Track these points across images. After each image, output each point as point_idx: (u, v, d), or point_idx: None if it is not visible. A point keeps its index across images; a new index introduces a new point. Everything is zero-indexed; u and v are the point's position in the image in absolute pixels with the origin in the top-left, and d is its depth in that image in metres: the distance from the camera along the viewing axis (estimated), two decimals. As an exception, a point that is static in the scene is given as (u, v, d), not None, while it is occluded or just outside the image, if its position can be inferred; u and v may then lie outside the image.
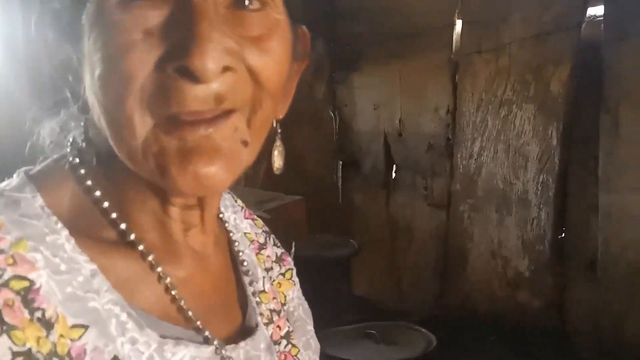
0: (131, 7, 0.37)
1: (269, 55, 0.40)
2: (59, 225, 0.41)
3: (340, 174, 2.13)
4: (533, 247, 1.68)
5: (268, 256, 0.59)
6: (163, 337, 0.42)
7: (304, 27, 0.49)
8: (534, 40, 1.57)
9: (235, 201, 0.59)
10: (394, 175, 1.99)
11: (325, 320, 1.53)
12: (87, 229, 0.42)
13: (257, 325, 0.51)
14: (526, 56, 1.60)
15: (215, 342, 0.45)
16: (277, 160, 0.52)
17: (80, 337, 0.38)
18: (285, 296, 0.59)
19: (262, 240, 0.59)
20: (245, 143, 0.41)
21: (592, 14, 1.53)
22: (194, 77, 0.36)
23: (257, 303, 0.53)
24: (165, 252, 0.46)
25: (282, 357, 0.54)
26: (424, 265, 1.95)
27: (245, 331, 0.50)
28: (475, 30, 1.69)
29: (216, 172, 0.39)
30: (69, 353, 0.37)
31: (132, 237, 0.43)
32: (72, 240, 0.41)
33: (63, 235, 0.41)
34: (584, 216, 1.63)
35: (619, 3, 1.46)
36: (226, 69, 0.38)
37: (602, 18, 1.50)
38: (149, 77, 0.37)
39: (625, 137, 1.48)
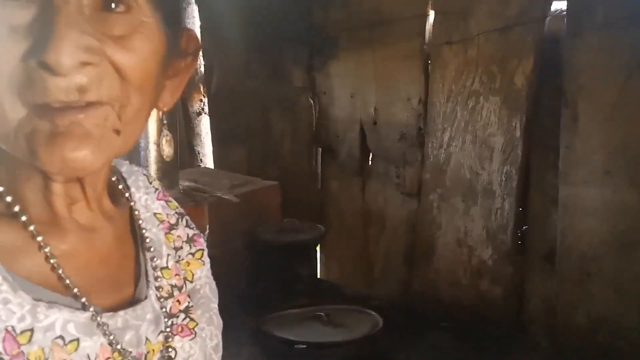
0: (3, 5, 0.42)
1: (132, 53, 0.45)
2: None
3: (319, 161, 2.17)
4: (496, 236, 1.71)
5: (179, 236, 0.63)
6: (37, 300, 0.46)
7: (192, 30, 0.55)
8: (500, 33, 1.59)
9: (150, 182, 0.64)
10: (369, 163, 2.03)
11: (282, 303, 1.59)
12: None
13: (145, 297, 0.55)
14: (492, 48, 1.62)
15: (92, 309, 0.48)
16: (166, 149, 0.58)
17: None
18: (192, 274, 0.63)
19: (173, 220, 0.63)
20: (117, 132, 0.46)
21: (558, 8, 1.54)
22: (51, 70, 0.41)
23: (157, 278, 0.57)
24: (50, 226, 0.50)
25: (179, 329, 0.58)
26: (394, 252, 1.99)
27: (133, 302, 0.54)
28: (446, 21, 1.71)
29: (84, 156, 0.44)
30: None
31: (17, 208, 0.47)
32: None
33: None
34: (545, 207, 1.66)
35: (580, -2, 1.48)
36: (85, 63, 0.42)
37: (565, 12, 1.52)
38: (16, 68, 0.42)
39: (583, 131, 1.50)
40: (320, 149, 2.15)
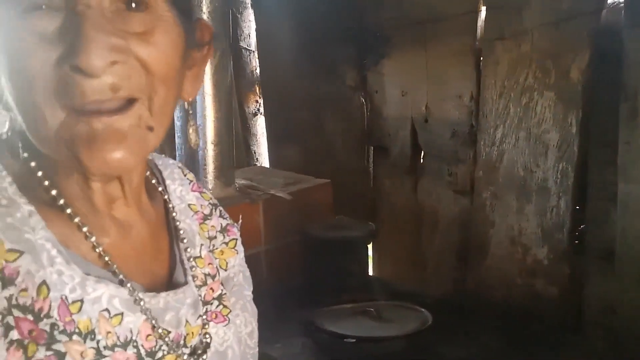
0: (30, 16, 0.46)
1: (154, 47, 0.48)
2: (9, 178, 0.51)
3: (371, 159, 2.18)
4: (552, 235, 1.67)
5: (212, 226, 0.66)
6: (87, 274, 0.50)
7: (204, 20, 0.58)
8: (554, 27, 1.55)
9: (185, 175, 0.67)
10: (421, 161, 2.02)
11: (334, 298, 1.62)
12: (29, 189, 0.52)
13: (186, 283, 0.58)
14: (546, 43, 1.58)
15: (129, 285, 0.51)
16: (193, 137, 0.63)
17: (14, 260, 0.47)
18: (227, 263, 0.66)
19: (207, 211, 0.66)
20: (150, 128, 0.49)
21: (615, 0, 1.49)
22: (85, 72, 0.44)
23: (191, 267, 0.60)
24: (91, 220, 0.53)
25: (213, 315, 0.61)
26: (446, 250, 1.97)
27: (171, 286, 0.57)
28: (497, 16, 1.68)
29: (122, 157, 0.47)
30: (2, 270, 0.46)
31: (62, 201, 0.51)
32: (14, 185, 0.50)
33: (6, 181, 0.51)
34: (603, 206, 1.60)
35: (640, -12, 1.42)
36: (114, 62, 0.46)
37: (622, 4, 1.46)
38: (51, 75, 0.45)
39: (645, 126, 1.44)
40: (372, 147, 2.16)
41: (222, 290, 0.63)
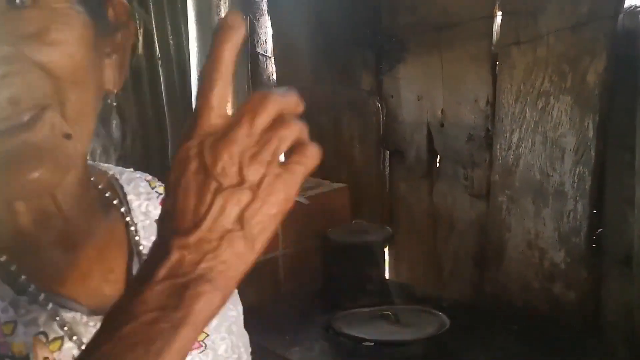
0: None
1: (53, 46, 0.42)
2: None
3: (387, 164, 2.19)
4: (569, 239, 1.67)
5: None
6: (20, 294, 0.45)
7: None
8: (570, 31, 1.56)
9: (153, 188, 0.61)
10: (437, 165, 2.03)
11: (352, 302, 1.64)
12: None
13: None
14: (563, 47, 1.58)
15: (77, 309, 0.46)
16: (115, 133, 0.58)
17: None
18: None
19: None
20: (67, 136, 0.43)
21: (632, 4, 1.49)
22: None
23: None
24: (17, 243, 0.48)
25: None
26: (463, 254, 1.98)
27: None
28: (513, 21, 1.69)
29: (41, 175, 0.41)
30: None
31: None
32: None
33: None
34: (621, 209, 1.60)
35: (658, -8, 1.42)
36: (4, 75, 0.40)
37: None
38: None
39: (663, 129, 1.44)
40: (388, 151, 2.17)
41: None
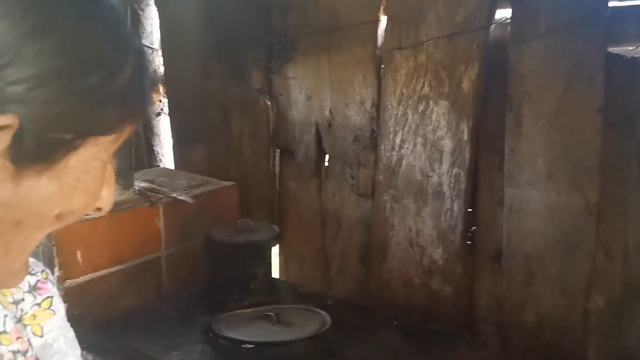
0: None
1: None
2: None
3: (277, 162, 2.19)
4: (446, 237, 1.76)
5: (18, 287, 0.55)
6: None
7: None
8: (447, 40, 1.64)
9: None
10: (326, 164, 2.05)
11: (237, 303, 1.61)
12: None
13: None
14: (441, 54, 1.66)
15: None
16: None
17: None
18: (42, 328, 0.57)
19: None
20: None
21: (503, 15, 1.59)
22: None
23: None
24: None
25: None
26: (350, 252, 2.02)
27: None
28: (396, 27, 1.75)
29: None
30: None
31: None
32: None
33: None
34: (492, 209, 1.71)
35: (523, 6, 1.52)
36: None
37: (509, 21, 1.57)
38: None
39: (527, 135, 1.56)
40: (278, 150, 2.17)
41: None
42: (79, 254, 1.42)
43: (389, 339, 1.60)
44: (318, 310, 1.49)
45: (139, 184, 1.78)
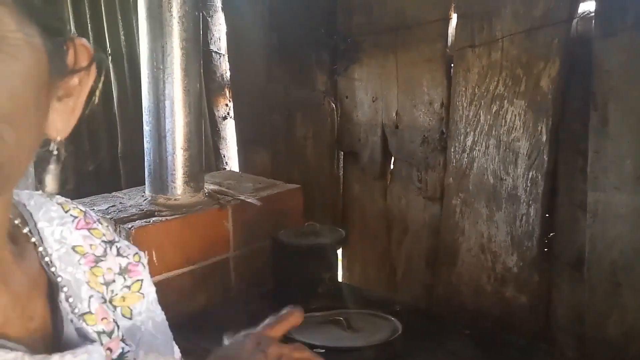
0: None
1: None
2: None
3: (341, 165, 2.16)
4: (521, 243, 1.68)
5: (109, 268, 0.55)
6: None
7: (81, 40, 0.46)
8: (525, 35, 1.56)
9: (67, 211, 0.56)
10: (391, 167, 2.01)
11: (302, 306, 1.59)
12: None
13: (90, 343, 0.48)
14: (517, 51, 1.59)
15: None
16: (49, 184, 0.48)
17: None
18: (131, 310, 0.56)
19: (99, 252, 0.55)
20: None
21: (586, 9, 1.50)
22: None
23: (78, 329, 0.49)
24: None
25: None
26: (416, 257, 1.96)
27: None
28: (468, 24, 1.68)
29: None
30: None
31: None
32: None
33: None
34: (573, 214, 1.61)
35: (609, -1, 1.43)
36: None
37: (593, 14, 1.48)
38: None
39: (613, 134, 1.46)
40: (342, 152, 2.14)
41: (123, 348, 0.52)
42: (154, 254, 1.44)
43: (459, 348, 1.53)
44: (387, 316, 1.45)
45: (208, 187, 1.80)
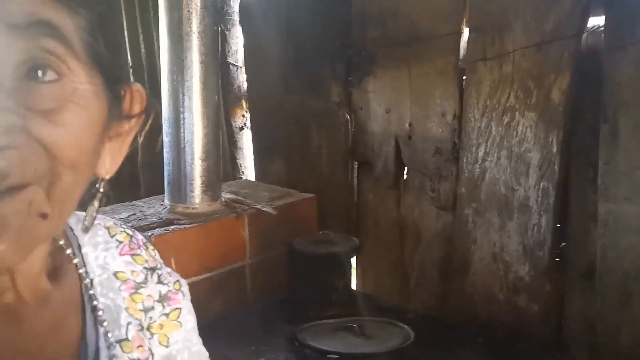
0: None
1: (62, 128, 0.40)
2: None
3: (355, 175, 2.20)
4: (533, 252, 1.70)
5: (149, 295, 0.56)
6: None
7: (137, 85, 0.49)
8: (535, 49, 1.59)
9: (113, 236, 0.56)
10: (405, 177, 2.04)
11: (318, 313, 1.63)
12: None
13: None
14: (528, 64, 1.62)
15: None
16: (88, 219, 0.49)
17: None
18: (168, 338, 0.56)
19: (140, 278, 0.56)
20: (44, 215, 0.40)
21: (595, 23, 1.53)
22: None
23: (112, 357, 0.50)
24: None
25: None
26: (429, 265, 1.99)
27: None
28: (480, 38, 1.72)
29: (3, 250, 0.38)
30: None
31: None
32: None
33: None
34: (584, 224, 1.63)
35: (618, 12, 1.46)
36: (4, 147, 0.37)
37: (602, 28, 1.50)
38: None
39: (624, 146, 1.48)
40: (356, 162, 2.18)
41: None
42: (172, 261, 1.48)
43: (472, 356, 1.55)
44: (400, 324, 1.48)
45: (225, 196, 1.85)
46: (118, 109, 0.47)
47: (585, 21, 1.53)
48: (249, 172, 2.52)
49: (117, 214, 1.69)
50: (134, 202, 1.83)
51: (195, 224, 1.63)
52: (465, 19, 1.77)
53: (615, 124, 1.49)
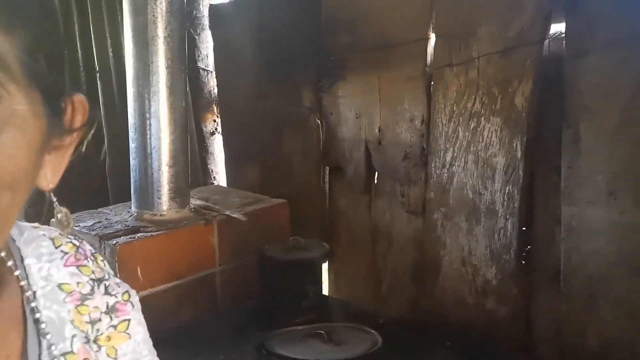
0: None
1: None
2: None
3: (327, 180, 2.20)
4: (500, 256, 1.72)
5: (95, 307, 0.55)
6: None
7: (78, 96, 0.48)
8: (500, 55, 1.61)
9: (57, 247, 0.56)
10: (375, 181, 2.05)
11: (289, 320, 1.62)
12: None
13: None
14: (493, 70, 1.64)
15: None
16: (61, 228, 0.50)
17: None
18: (116, 350, 0.55)
19: (86, 290, 0.55)
20: None
21: (557, 30, 1.55)
22: None
23: None
24: None
25: None
26: (401, 270, 2.00)
27: None
28: (447, 44, 1.73)
29: None
30: None
31: None
32: None
33: None
34: (549, 228, 1.65)
35: (579, 19, 1.49)
36: None
37: (564, 35, 1.53)
38: None
39: (586, 151, 1.51)
40: (328, 167, 2.18)
41: None
42: (139, 269, 1.47)
43: (443, 358, 1.57)
44: (369, 329, 1.48)
45: (194, 202, 1.83)
46: (59, 124, 0.46)
47: (548, 28, 1.56)
48: (220, 177, 2.51)
49: (82, 222, 1.66)
50: (100, 209, 1.81)
51: (162, 232, 1.62)
52: (432, 25, 1.78)
53: (577, 129, 1.51)
